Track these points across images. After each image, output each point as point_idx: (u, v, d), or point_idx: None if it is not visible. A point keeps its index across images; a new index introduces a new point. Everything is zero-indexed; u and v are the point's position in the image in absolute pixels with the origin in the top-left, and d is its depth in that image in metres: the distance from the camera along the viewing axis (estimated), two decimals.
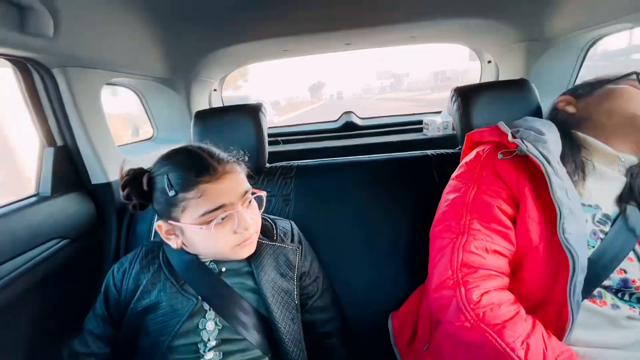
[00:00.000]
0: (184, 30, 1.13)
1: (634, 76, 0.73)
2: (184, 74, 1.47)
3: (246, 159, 0.75)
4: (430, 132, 1.71)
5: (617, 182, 0.70)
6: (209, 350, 0.67)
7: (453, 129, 1.65)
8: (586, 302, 0.65)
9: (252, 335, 0.69)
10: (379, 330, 0.95)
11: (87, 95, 0.96)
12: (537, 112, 0.97)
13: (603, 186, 0.69)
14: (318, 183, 1.06)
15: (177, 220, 0.65)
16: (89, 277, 0.96)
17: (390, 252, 1.00)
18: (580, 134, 0.73)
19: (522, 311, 0.62)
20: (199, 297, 0.70)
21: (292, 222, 0.88)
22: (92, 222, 1.00)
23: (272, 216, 0.88)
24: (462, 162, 0.80)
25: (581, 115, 0.74)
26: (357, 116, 2.08)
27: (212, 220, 0.62)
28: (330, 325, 0.85)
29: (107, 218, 1.05)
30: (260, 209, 0.73)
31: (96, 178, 1.03)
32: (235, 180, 0.67)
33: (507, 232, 0.67)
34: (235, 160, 0.71)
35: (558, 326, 0.63)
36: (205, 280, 0.70)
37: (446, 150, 1.12)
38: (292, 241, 0.82)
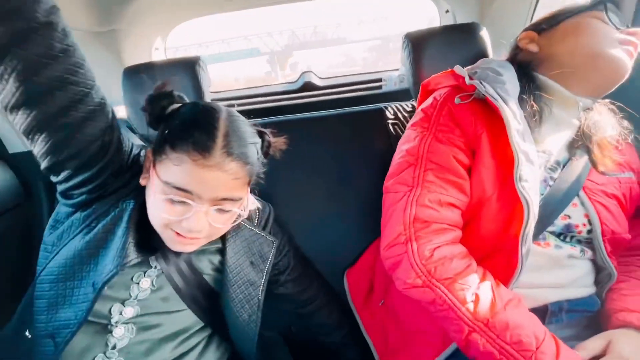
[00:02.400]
0: None
1: (602, 7, 0.66)
2: (112, 26, 1.28)
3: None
4: (387, 87, 1.66)
5: (571, 128, 0.69)
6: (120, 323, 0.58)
7: None
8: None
9: (193, 305, 0.64)
10: (338, 289, 0.94)
11: None
12: None
13: (557, 132, 0.68)
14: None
15: (154, 165, 0.57)
16: (19, 256, 0.90)
17: (346, 208, 0.99)
18: (540, 76, 0.69)
19: (474, 264, 0.62)
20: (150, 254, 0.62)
21: (271, 208, 0.80)
22: (15, 195, 0.91)
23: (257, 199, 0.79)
24: (418, 109, 0.76)
25: (543, 55, 0.69)
26: (316, 76, 1.98)
27: (169, 193, 0.54)
28: (307, 294, 0.84)
29: (34, 191, 0.97)
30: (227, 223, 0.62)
31: (13, 146, 0.93)
32: (222, 181, 0.54)
33: (461, 183, 0.65)
34: (246, 163, 0.57)
35: (506, 274, 0.63)
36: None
37: (400, 103, 1.09)
38: (269, 232, 0.75)
